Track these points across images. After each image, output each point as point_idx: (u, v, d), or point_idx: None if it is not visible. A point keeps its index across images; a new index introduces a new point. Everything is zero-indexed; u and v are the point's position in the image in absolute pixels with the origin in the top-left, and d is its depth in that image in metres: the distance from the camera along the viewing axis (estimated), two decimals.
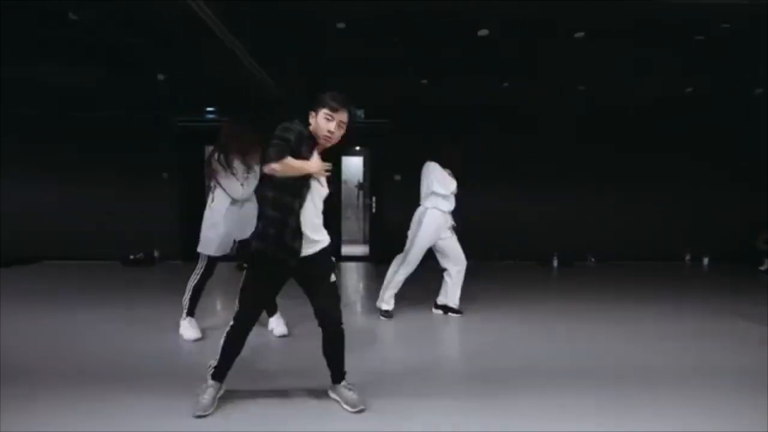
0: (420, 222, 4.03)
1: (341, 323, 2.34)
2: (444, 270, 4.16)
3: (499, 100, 6.62)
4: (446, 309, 4.19)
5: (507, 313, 4.25)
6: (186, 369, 2.83)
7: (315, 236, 2.25)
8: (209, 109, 6.69)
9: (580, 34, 4.01)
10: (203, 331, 3.45)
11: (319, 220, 2.29)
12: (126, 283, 5.54)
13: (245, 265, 3.02)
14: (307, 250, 2.23)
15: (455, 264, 4.11)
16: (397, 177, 6.84)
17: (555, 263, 6.87)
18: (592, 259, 7.20)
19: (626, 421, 2.22)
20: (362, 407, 2.29)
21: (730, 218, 7.09)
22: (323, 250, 2.30)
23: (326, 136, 2.18)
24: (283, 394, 2.50)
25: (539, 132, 7.04)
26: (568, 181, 7.11)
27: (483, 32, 3.93)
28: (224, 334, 2.31)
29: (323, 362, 2.40)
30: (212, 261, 3.43)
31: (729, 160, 7.13)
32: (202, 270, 3.42)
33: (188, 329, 3.43)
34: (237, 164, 3.36)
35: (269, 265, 2.22)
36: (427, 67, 5.38)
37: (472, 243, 4.26)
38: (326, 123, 2.17)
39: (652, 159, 7.11)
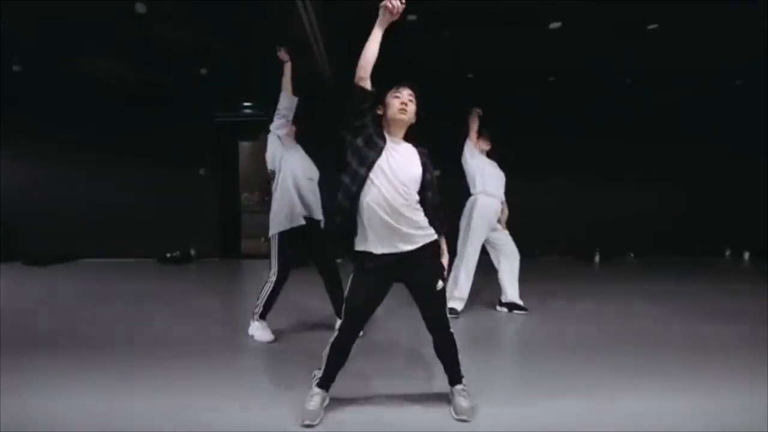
0: (470, 211, 3.95)
1: (449, 329, 2.27)
2: (497, 265, 4.07)
3: (543, 96, 6.50)
4: (511, 306, 4.10)
5: (570, 308, 4.17)
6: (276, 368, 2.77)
7: (406, 228, 2.10)
8: (246, 104, 6.57)
9: (653, 26, 3.88)
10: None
11: (409, 209, 2.10)
12: (176, 281, 5.49)
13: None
14: (400, 244, 2.10)
15: (506, 257, 4.02)
16: (437, 173, 6.70)
17: (597, 259, 6.77)
18: (632, 255, 7.12)
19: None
20: (465, 417, 2.19)
21: None
22: (427, 250, 2.15)
23: (401, 109, 2.12)
24: (379, 395, 2.43)
25: (578, 127, 6.91)
26: (606, 176, 6.99)
27: (555, 25, 3.80)
28: (329, 344, 2.23)
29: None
30: (287, 252, 3.28)
31: None
32: (276, 274, 3.26)
33: (259, 331, 3.34)
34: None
35: (369, 268, 2.13)
36: (475, 62, 5.27)
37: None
38: (396, 100, 2.14)
39: (692, 153, 6.97)
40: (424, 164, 2.19)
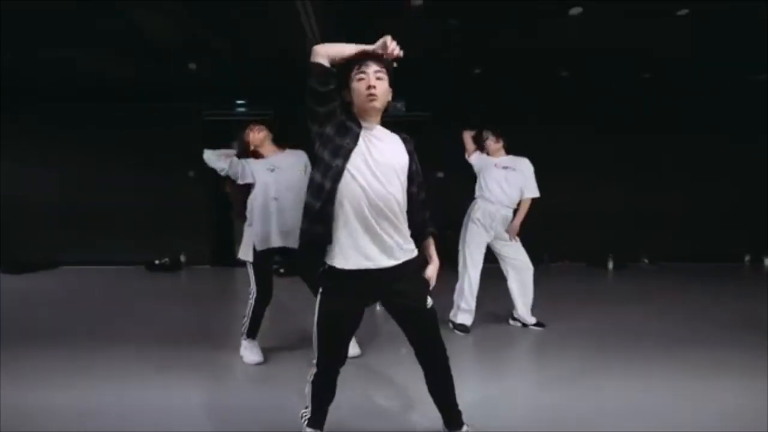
0: (467, 215, 3.67)
1: (445, 357, 1.87)
2: (506, 276, 3.70)
3: (554, 91, 6.17)
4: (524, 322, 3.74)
5: (591, 323, 3.80)
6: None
7: (389, 237, 1.69)
8: (239, 101, 6.22)
9: (683, 12, 3.54)
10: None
11: (399, 214, 1.71)
12: (163, 290, 5.14)
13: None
14: (379, 257, 1.68)
15: (515, 270, 3.64)
16: (440, 174, 6.37)
17: (611, 265, 6.41)
18: (646, 261, 6.76)
19: None
20: None
21: None
22: (408, 266, 1.75)
23: (370, 95, 1.69)
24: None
25: (591, 125, 6.56)
26: (618, 177, 6.63)
27: (575, 11, 3.46)
28: (308, 382, 1.85)
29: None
30: (263, 276, 3.00)
31: None
32: (255, 293, 2.98)
33: (247, 351, 3.01)
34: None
35: (338, 290, 1.73)
36: (483, 55, 4.95)
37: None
38: (362, 83, 1.70)
39: (710, 154, 6.61)
40: (410, 153, 1.79)
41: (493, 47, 4.75)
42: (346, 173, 1.65)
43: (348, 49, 1.69)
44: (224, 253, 6.64)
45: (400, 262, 1.72)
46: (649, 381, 2.67)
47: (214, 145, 3.13)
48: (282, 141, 3.11)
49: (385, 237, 1.68)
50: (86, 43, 4.54)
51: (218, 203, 6.60)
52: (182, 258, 6.40)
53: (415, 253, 1.79)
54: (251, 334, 3.00)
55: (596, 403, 2.39)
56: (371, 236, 1.67)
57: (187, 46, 4.69)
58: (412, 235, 1.80)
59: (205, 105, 6.27)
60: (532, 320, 3.69)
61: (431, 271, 1.86)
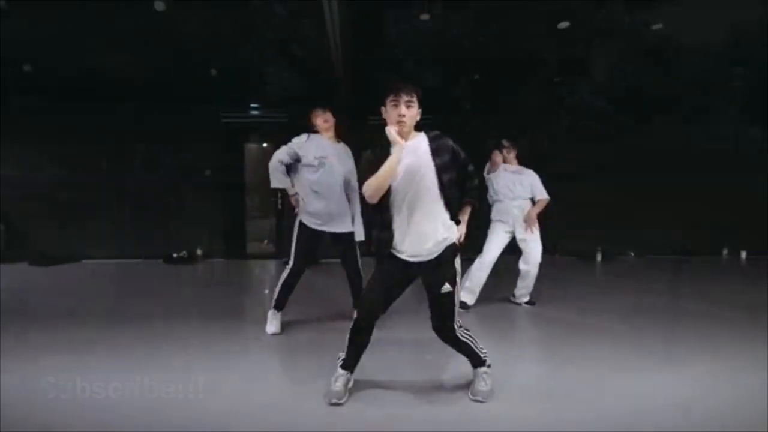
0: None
1: (455, 334, 2.31)
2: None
3: (550, 95, 6.65)
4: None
5: (578, 305, 4.28)
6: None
7: (429, 239, 2.18)
8: (253, 105, 6.62)
9: (657, 26, 3.98)
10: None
11: (435, 209, 2.19)
12: (182, 279, 5.54)
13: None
14: (420, 255, 2.19)
15: (524, 263, 4.12)
16: None
17: (599, 258, 6.86)
18: (632, 254, 7.21)
19: None
20: (480, 399, 2.30)
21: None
22: (446, 252, 2.21)
23: (400, 121, 2.15)
24: (406, 382, 2.53)
25: (579, 125, 7.04)
26: (604, 174, 7.02)
27: (563, 25, 3.91)
28: (350, 329, 2.31)
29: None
30: (301, 255, 3.29)
31: None
32: (292, 264, 3.29)
33: (268, 321, 3.36)
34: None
35: (389, 264, 2.23)
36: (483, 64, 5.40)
37: None
38: (394, 109, 2.17)
39: (690, 151, 7.06)
40: (434, 150, 2.21)
41: (491, 54, 5.19)
42: (390, 189, 2.16)
43: (388, 173, 2.10)
44: (237, 247, 7.04)
45: (434, 256, 2.20)
46: (619, 351, 3.16)
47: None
48: None
49: (426, 236, 2.17)
50: (114, 48, 4.89)
51: (232, 200, 7.02)
52: (199, 251, 6.78)
53: (451, 241, 2.23)
54: (278, 305, 3.34)
55: (570, 368, 2.85)
56: (415, 237, 2.17)
57: (208, 53, 5.03)
58: (455, 206, 2.27)
59: (222, 106, 6.66)
60: (525, 299, 4.17)
61: (459, 230, 2.27)
